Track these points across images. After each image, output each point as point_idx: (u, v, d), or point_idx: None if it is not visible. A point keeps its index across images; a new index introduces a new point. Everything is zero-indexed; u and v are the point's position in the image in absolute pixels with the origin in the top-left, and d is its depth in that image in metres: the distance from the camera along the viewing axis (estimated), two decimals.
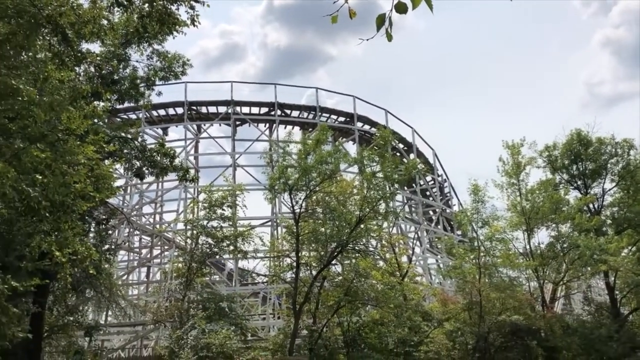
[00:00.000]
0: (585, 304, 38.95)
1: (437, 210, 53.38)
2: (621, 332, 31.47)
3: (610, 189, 40.67)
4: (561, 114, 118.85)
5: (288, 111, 49.65)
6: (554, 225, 35.67)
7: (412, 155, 51.70)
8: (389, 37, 2.88)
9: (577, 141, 40.10)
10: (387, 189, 27.69)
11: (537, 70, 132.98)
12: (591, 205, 39.86)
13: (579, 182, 40.79)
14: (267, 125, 50.01)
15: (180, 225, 38.35)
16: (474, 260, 31.80)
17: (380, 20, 2.77)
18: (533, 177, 38.23)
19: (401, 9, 2.75)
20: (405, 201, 50.65)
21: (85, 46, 15.56)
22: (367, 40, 3.00)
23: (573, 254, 33.90)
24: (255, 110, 49.62)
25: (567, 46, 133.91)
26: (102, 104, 16.83)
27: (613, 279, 36.54)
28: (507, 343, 28.48)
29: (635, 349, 31.09)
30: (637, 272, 32.71)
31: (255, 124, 49.22)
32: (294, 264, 26.86)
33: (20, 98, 9.68)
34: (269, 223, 44.09)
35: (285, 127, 48.42)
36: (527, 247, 35.32)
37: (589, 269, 34.78)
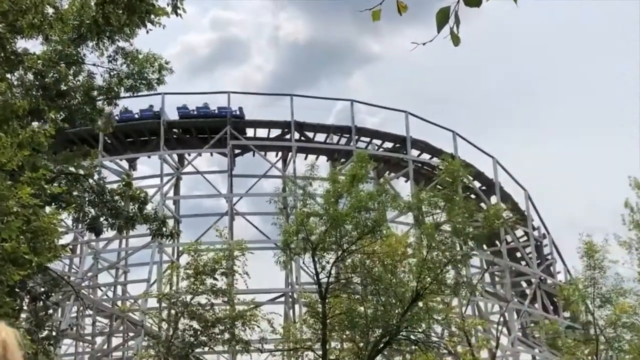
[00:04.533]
0: None
1: (533, 280, 52.57)
2: None
3: None
4: None
5: (310, 134, 50.13)
6: None
7: (494, 199, 51.32)
8: (455, 41, 2.95)
9: None
10: (458, 248, 27.45)
11: None
12: None
13: None
14: (280, 154, 50.44)
15: (153, 302, 38.36)
16: (589, 358, 31.10)
17: (442, 17, 2.85)
18: None
19: (473, 1, 2.81)
20: (486, 267, 50.05)
21: (22, 45, 16.11)
22: (424, 44, 3.09)
23: None
24: (262, 132, 50.25)
25: None
26: (44, 126, 17.23)
27: None
28: None
29: None
30: None
31: (263, 153, 49.74)
32: None
33: None
34: (282, 299, 43.88)
35: (306, 157, 48.75)
36: None
37: None
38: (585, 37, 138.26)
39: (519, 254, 53.77)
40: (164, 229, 20.98)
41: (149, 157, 49.94)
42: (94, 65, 20.09)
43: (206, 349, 29.74)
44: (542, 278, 52.91)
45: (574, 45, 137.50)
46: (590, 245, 30.74)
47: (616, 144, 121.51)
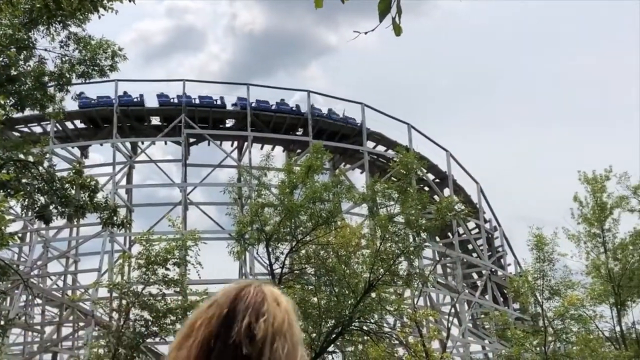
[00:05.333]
0: None
1: (484, 272, 53.32)
2: None
3: None
4: None
5: (266, 124, 50.01)
6: None
7: (447, 191, 51.88)
8: (397, 31, 2.85)
9: None
10: (411, 240, 27.64)
11: (625, 72, 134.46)
12: None
13: None
14: (236, 143, 50.28)
15: (103, 292, 37.99)
16: (538, 349, 31.62)
17: (384, 7, 2.76)
18: (625, 224, 38.38)
19: None
20: (438, 259, 50.60)
21: None
22: (365, 33, 3.00)
23: None
24: (218, 121, 49.94)
25: None
26: None
27: None
28: None
29: None
30: None
31: (218, 142, 49.49)
32: None
33: None
34: None
35: (262, 147, 48.73)
36: (617, 329, 35.23)
37: None
38: (565, 23, 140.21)
39: (470, 246, 54.51)
40: (115, 218, 20.67)
41: (101, 144, 49.38)
42: (45, 50, 19.74)
43: (157, 339, 29.56)
44: (493, 270, 53.73)
45: (534, 41, 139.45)
46: (540, 238, 31.21)
47: (567, 140, 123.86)
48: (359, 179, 51.41)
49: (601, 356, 31.63)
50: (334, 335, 26.44)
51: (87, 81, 21.24)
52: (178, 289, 28.04)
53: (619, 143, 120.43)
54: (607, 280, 34.35)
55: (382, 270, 26.34)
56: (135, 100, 47.74)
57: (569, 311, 31.10)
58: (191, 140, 48.82)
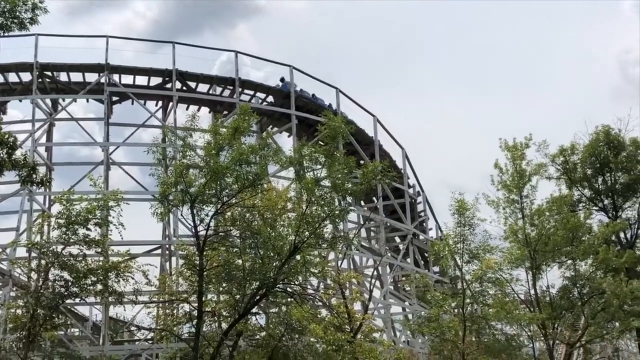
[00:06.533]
0: None
1: (406, 236, 54.22)
2: None
3: None
4: (583, 105, 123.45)
5: (192, 84, 49.15)
6: (569, 261, 36.98)
7: (374, 157, 52.33)
8: None
9: (605, 143, 41.92)
10: (337, 203, 27.83)
11: (550, 45, 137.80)
12: (622, 235, 41.67)
13: (605, 201, 42.63)
14: (160, 103, 49.29)
15: (22, 252, 37.09)
16: (456, 310, 32.44)
17: None
18: (542, 191, 39.66)
19: None
20: (362, 222, 51.16)
21: None
22: None
23: (595, 304, 35.27)
24: (142, 80, 48.75)
25: (592, 14, 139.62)
26: None
27: None
28: None
29: None
30: None
31: (142, 101, 48.45)
32: (195, 312, 26.54)
33: None
34: (159, 251, 43.40)
35: (187, 108, 47.86)
36: (532, 292, 36.44)
37: (616, 324, 36.24)
38: (470, 6, 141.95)
39: (394, 211, 55.20)
40: (35, 176, 20.12)
41: (20, 100, 47.71)
42: None
43: (78, 300, 29.23)
44: (415, 234, 54.64)
45: (478, 9, 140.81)
46: (461, 203, 31.88)
47: (489, 108, 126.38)
48: (286, 142, 51.32)
49: (516, 318, 32.73)
50: (258, 297, 26.56)
51: (6, 34, 20.43)
52: (99, 250, 27.66)
53: (540, 113, 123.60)
54: (523, 245, 35.40)
55: (307, 233, 26.48)
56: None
57: (487, 274, 31.99)
58: (114, 98, 47.58)
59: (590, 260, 36.72)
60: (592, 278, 35.74)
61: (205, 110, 49.03)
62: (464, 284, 31.97)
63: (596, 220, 41.40)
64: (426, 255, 53.67)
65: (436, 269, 51.85)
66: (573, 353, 41.74)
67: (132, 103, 48.40)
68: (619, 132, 41.99)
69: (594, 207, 42.22)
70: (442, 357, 31.05)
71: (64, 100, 48.01)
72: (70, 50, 47.62)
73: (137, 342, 42.90)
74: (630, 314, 33.40)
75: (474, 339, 30.74)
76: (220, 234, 28.02)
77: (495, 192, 37.33)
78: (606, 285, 34.02)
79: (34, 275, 29.60)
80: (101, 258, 27.92)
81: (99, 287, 27.21)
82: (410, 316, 47.60)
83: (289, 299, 27.88)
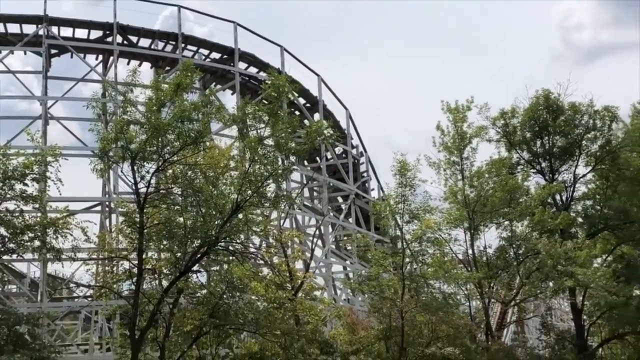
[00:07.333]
0: (543, 332, 41.89)
1: (349, 196, 54.64)
2: None
3: (583, 175, 43.81)
4: (524, 68, 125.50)
5: (134, 38, 48.25)
6: (506, 222, 37.77)
7: (317, 116, 52.31)
8: None
9: (544, 107, 42.61)
10: (280, 162, 27.80)
11: (493, 9, 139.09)
12: (558, 197, 42.68)
13: (543, 164, 43.47)
14: (101, 57, 48.33)
15: None
16: (395, 269, 32.93)
17: None
18: (482, 153, 40.34)
19: None
20: (305, 182, 51.34)
21: None
22: None
23: (530, 264, 36.19)
24: (82, 33, 47.63)
25: None
26: None
27: (581, 298, 39.49)
28: None
29: None
30: (612, 290, 35.51)
31: (82, 55, 47.34)
32: (135, 269, 26.39)
33: None
34: (98, 208, 42.97)
35: (128, 62, 47.09)
36: (470, 252, 37.23)
37: (550, 284, 37.31)
38: None
39: (336, 171, 55.51)
40: None
41: None
42: None
43: (15, 256, 28.79)
44: (358, 194, 55.10)
45: None
46: (403, 164, 32.14)
47: (443, 75, 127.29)
48: (229, 100, 50.96)
49: (454, 277, 33.40)
50: (199, 255, 26.48)
51: None
52: (37, 206, 27.19)
53: (484, 77, 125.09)
54: (462, 205, 36.01)
55: (250, 192, 26.41)
56: None
57: (426, 234, 32.47)
58: (53, 51, 46.39)
59: (526, 222, 37.55)
60: (527, 239, 36.57)
61: (146, 65, 48.35)
62: (404, 243, 32.39)
63: (533, 182, 42.31)
64: (368, 215, 54.23)
65: (377, 229, 52.45)
66: (508, 311, 43.01)
67: (72, 57, 47.40)
68: (558, 97, 42.74)
69: (532, 170, 43.04)
70: (381, 315, 31.55)
71: (0, 52, 46.65)
72: (7, 1, 46.22)
73: (76, 299, 42.74)
74: (564, 273, 34.32)
75: (412, 297, 31.27)
76: (162, 191, 27.76)
77: (436, 153, 37.82)
78: (541, 246, 34.87)
79: None
80: (39, 214, 27.46)
81: (37, 243, 26.82)
82: (350, 275, 48.24)
83: (230, 257, 27.89)
